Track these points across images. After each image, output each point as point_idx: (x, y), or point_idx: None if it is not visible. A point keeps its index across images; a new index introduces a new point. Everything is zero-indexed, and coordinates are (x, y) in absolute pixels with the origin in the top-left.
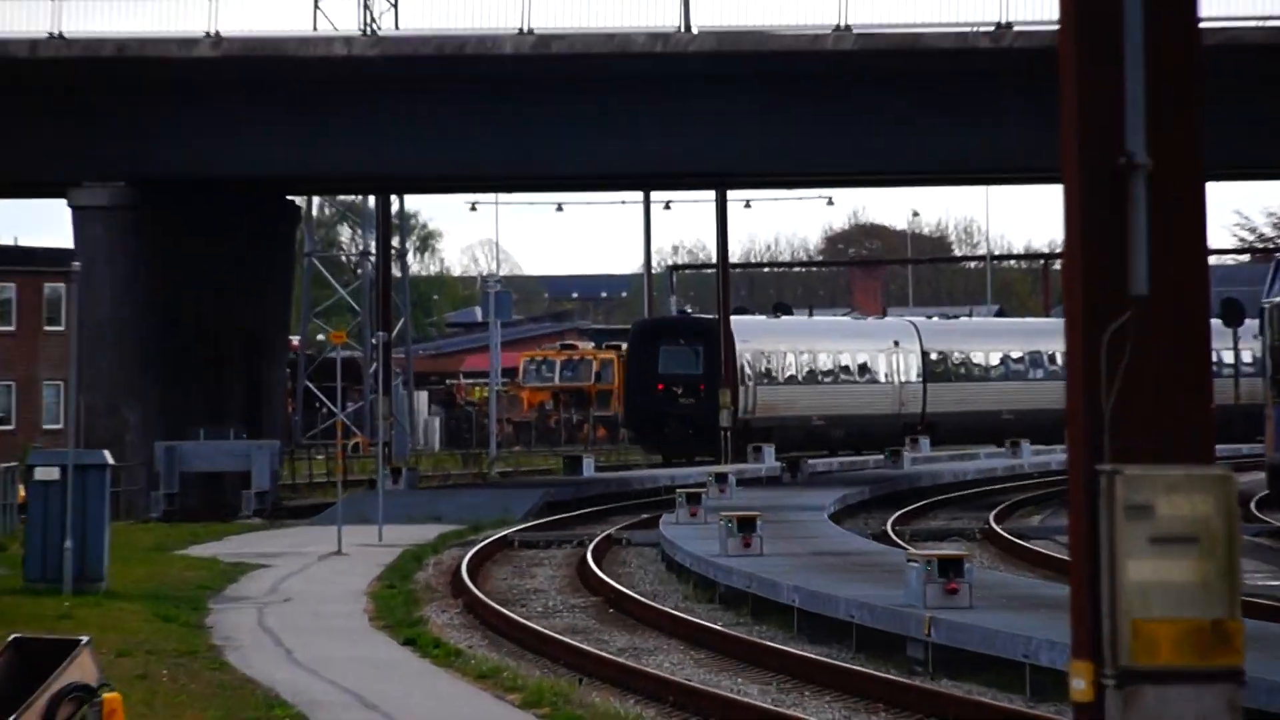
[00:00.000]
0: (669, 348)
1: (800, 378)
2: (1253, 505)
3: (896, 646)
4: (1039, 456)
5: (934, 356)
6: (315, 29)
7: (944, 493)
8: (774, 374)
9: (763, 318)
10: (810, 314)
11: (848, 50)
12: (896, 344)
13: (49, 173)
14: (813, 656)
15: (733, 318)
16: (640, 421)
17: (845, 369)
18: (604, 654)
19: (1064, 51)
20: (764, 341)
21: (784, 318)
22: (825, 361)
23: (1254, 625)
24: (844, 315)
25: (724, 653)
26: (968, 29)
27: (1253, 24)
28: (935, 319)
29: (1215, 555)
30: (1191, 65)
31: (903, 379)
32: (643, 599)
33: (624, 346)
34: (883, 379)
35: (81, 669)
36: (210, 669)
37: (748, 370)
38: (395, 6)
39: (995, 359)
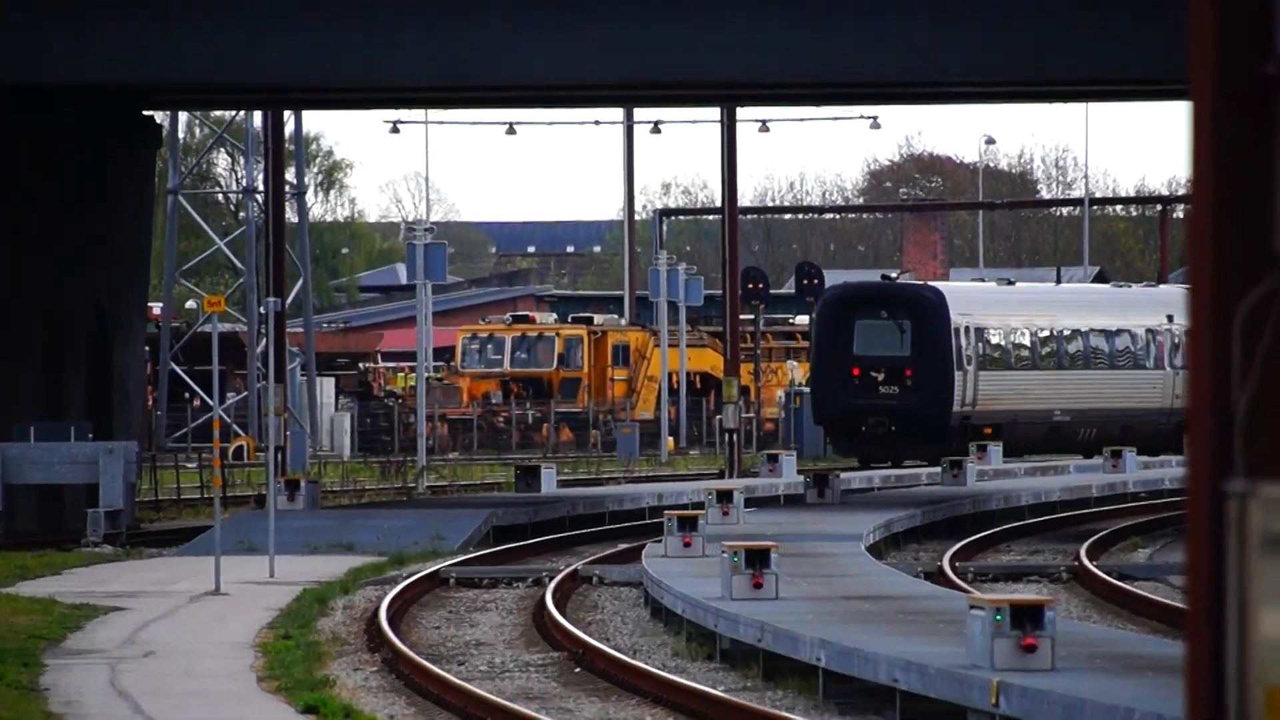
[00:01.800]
0: (866, 323)
1: (1038, 361)
2: None
3: (954, 718)
4: (1148, 471)
5: None
6: None
7: (1021, 518)
8: (1002, 356)
9: (990, 284)
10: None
11: None
12: (1171, 319)
13: None
14: None
15: (947, 284)
16: (831, 416)
17: (1099, 350)
18: None
19: None
20: (988, 314)
21: (1018, 284)
22: (1073, 341)
23: None
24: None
25: None
26: None
27: None
28: None
29: None
30: None
31: (1178, 364)
32: (620, 655)
33: (608, 321)
34: (1151, 364)
35: None
36: None
37: (966, 351)
38: None
39: None
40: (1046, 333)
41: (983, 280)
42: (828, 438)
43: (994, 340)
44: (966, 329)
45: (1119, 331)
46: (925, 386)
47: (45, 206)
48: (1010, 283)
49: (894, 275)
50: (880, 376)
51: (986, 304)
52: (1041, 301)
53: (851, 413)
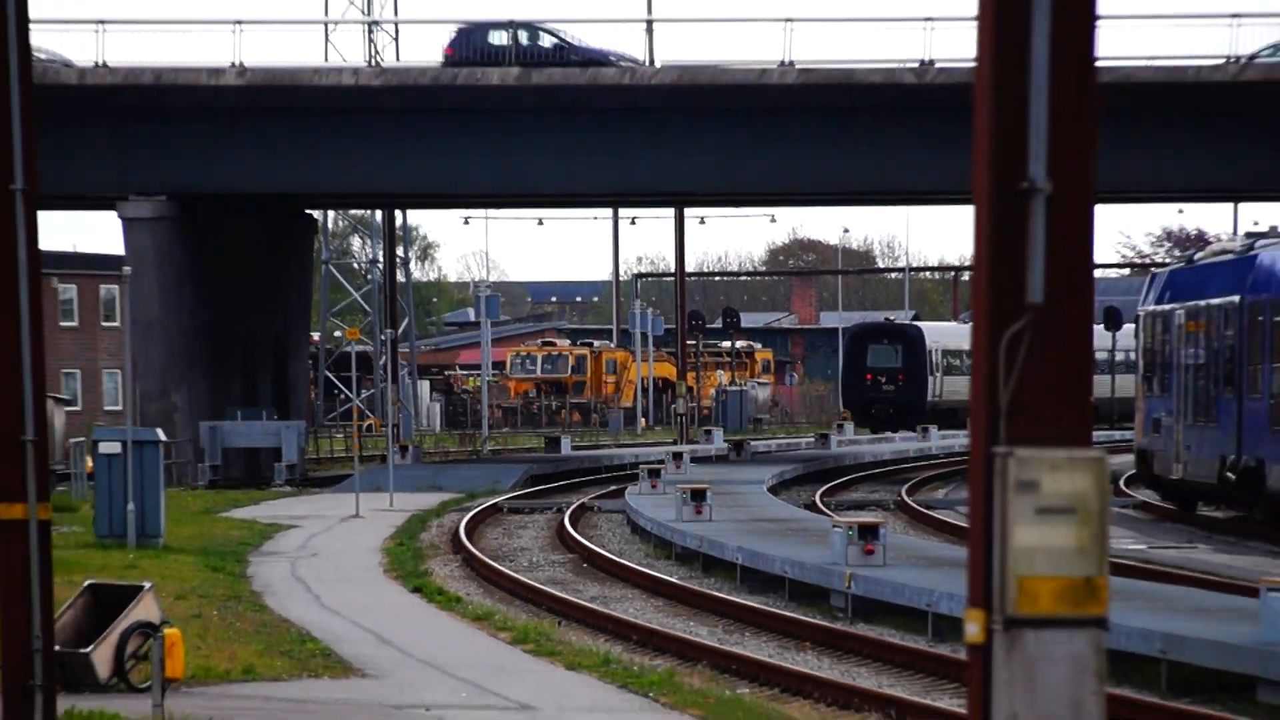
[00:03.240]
0: (875, 347)
1: None
2: (1121, 482)
3: (822, 597)
4: (946, 440)
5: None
6: (327, 60)
7: (864, 470)
8: (957, 366)
9: (953, 323)
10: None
11: (791, 84)
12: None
13: (100, 187)
14: (752, 604)
15: (925, 323)
16: (854, 404)
17: None
18: (579, 601)
19: (979, 88)
20: (949, 341)
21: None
22: None
23: (1117, 581)
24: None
25: (679, 601)
26: (895, 65)
27: (1141, 63)
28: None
29: (1089, 524)
30: (1087, 101)
31: (1125, 350)
32: (611, 556)
33: (602, 345)
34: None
35: (146, 609)
36: (252, 611)
37: (936, 363)
38: (396, 40)
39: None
40: None
41: (945, 322)
42: (851, 417)
43: (953, 356)
44: (935, 350)
45: None
46: (910, 386)
47: (244, 270)
48: (965, 321)
49: (892, 318)
50: (883, 380)
51: (948, 335)
52: None
53: (866, 402)
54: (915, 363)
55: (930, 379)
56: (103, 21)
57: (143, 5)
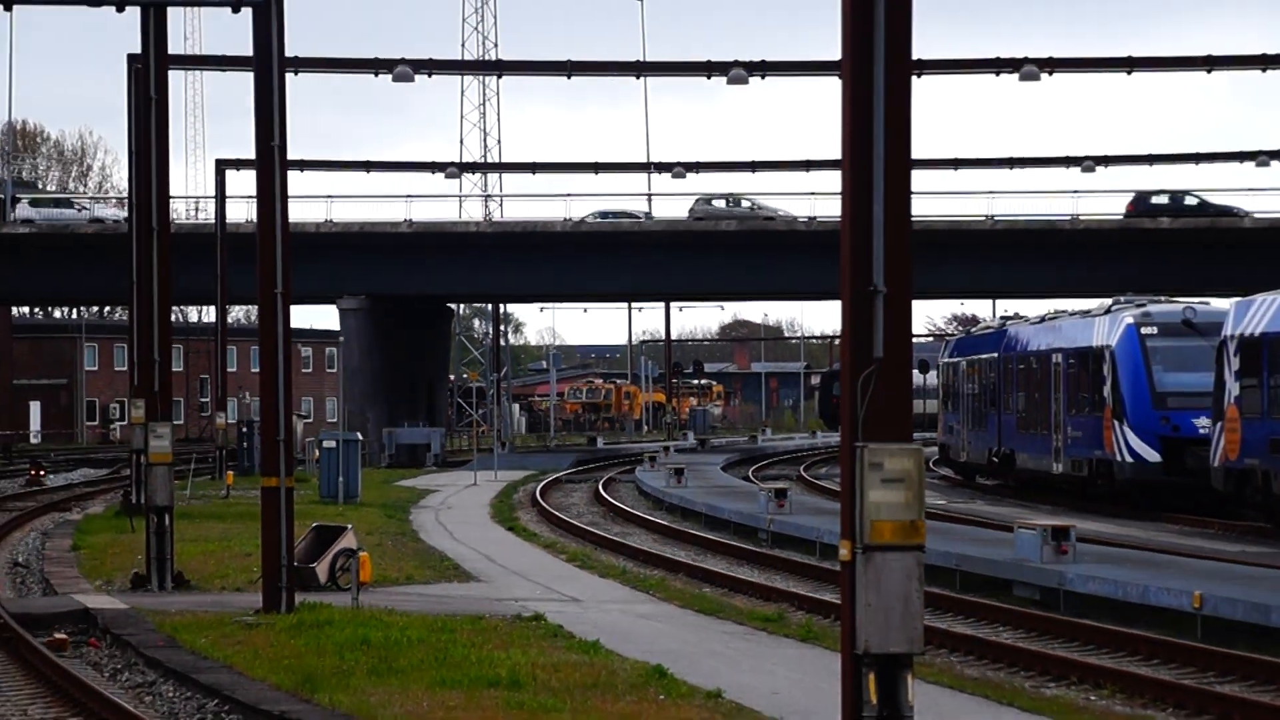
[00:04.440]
0: (836, 382)
1: None
2: (931, 463)
3: (753, 533)
4: (829, 438)
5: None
6: (460, 217)
7: (778, 457)
8: None
9: None
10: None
11: (733, 230)
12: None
13: (325, 290)
14: (711, 538)
15: None
16: (825, 415)
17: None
18: (607, 535)
19: (844, 232)
20: None
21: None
22: None
23: (930, 523)
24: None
25: (668, 536)
26: (794, 219)
27: (936, 218)
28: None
29: (912, 488)
30: (906, 241)
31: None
32: (627, 508)
33: (622, 383)
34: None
35: (348, 540)
36: (412, 541)
37: None
38: (501, 206)
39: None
40: None
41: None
42: (829, 423)
43: None
44: None
45: (924, 375)
46: None
47: (410, 339)
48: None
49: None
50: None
51: None
52: None
53: (833, 414)
54: None
55: None
56: (330, 196)
57: (353, 184)
